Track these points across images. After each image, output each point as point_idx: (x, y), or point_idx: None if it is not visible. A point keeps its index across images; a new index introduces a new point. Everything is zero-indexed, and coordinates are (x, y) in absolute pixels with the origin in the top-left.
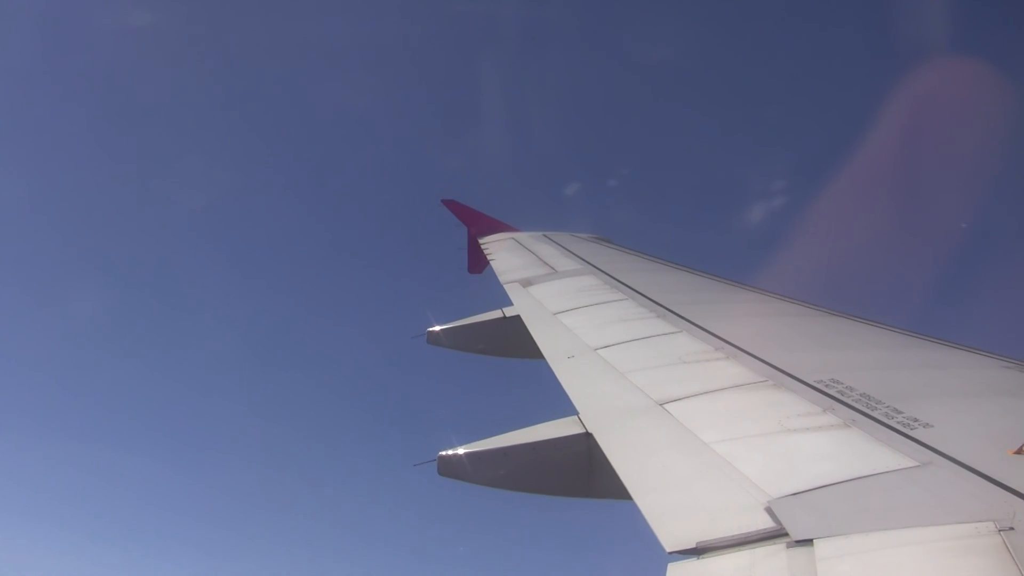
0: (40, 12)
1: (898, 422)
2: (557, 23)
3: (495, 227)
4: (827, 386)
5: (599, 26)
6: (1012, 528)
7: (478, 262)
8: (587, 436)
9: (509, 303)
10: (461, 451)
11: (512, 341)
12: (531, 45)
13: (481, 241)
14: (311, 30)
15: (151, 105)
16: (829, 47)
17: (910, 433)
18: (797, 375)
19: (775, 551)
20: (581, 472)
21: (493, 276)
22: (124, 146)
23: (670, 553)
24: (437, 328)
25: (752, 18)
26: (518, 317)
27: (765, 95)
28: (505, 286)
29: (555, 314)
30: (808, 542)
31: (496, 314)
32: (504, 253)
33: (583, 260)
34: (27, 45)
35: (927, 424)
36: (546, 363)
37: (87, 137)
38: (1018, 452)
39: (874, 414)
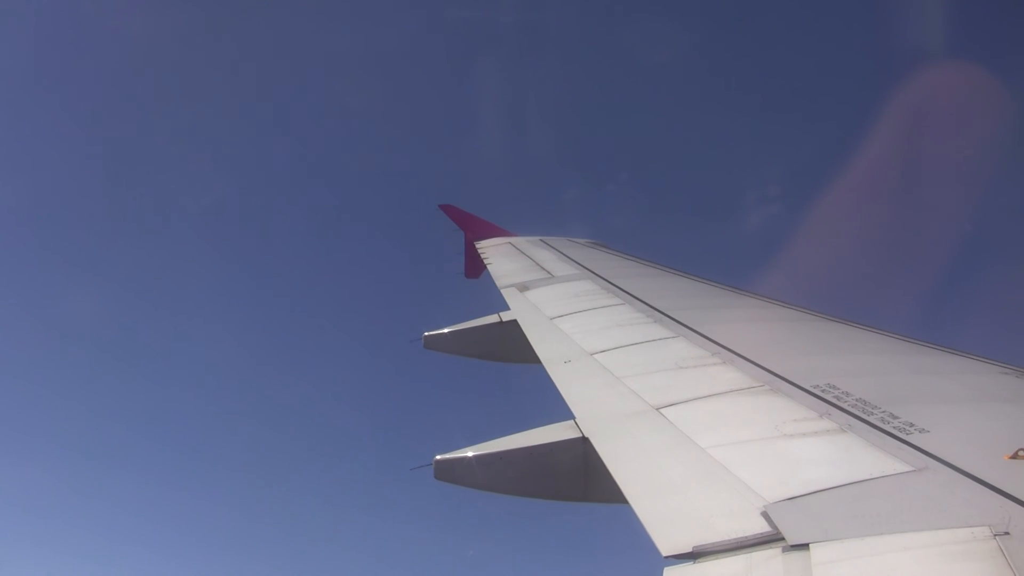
0: (40, 12)
1: (894, 427)
2: (555, 27)
3: (492, 232)
4: (823, 391)
5: (596, 30)
6: (1007, 533)
7: (475, 267)
8: (583, 440)
9: (506, 307)
10: (457, 455)
11: (509, 345)
12: (528, 50)
13: (478, 245)
14: (310, 35)
15: (151, 108)
16: (828, 49)
17: (906, 438)
18: (793, 380)
19: (771, 555)
20: (577, 476)
21: (490, 280)
22: (123, 147)
23: (666, 557)
24: (434, 332)
25: (751, 21)
26: (515, 321)
27: (763, 100)
28: (502, 291)
29: (552, 319)
30: (804, 546)
31: (493, 318)
32: (501, 258)
33: (580, 265)
34: (27, 45)
35: (923, 429)
36: (543, 367)
37: (88, 138)
38: (1013, 457)
39: (870, 419)
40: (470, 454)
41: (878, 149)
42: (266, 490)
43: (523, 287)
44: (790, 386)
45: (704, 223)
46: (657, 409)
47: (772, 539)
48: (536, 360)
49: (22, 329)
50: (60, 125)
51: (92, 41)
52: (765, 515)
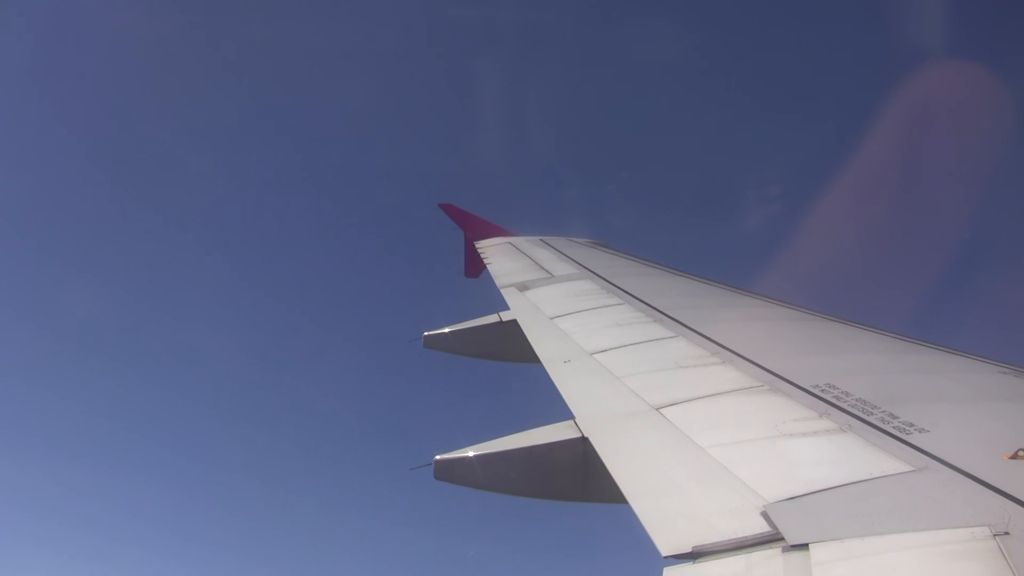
0: (40, 13)
1: (894, 427)
2: (555, 26)
3: (492, 231)
4: (823, 391)
5: (597, 29)
6: (1007, 532)
7: (475, 266)
8: (583, 440)
9: (505, 307)
10: (457, 455)
11: (508, 345)
12: (528, 49)
13: (478, 245)
14: (309, 33)
15: (147, 107)
16: (828, 49)
17: (906, 438)
18: (793, 380)
19: (771, 555)
20: (577, 476)
21: (490, 280)
22: (121, 147)
23: (666, 557)
24: (433, 332)
25: (750, 21)
26: (514, 321)
27: (762, 99)
28: (502, 290)
29: (551, 318)
30: (804, 546)
31: (492, 318)
32: (501, 257)
33: (580, 264)
34: (27, 46)
35: (923, 429)
36: (542, 367)
37: (87, 139)
38: (1013, 457)
39: (870, 419)
40: (470, 454)
41: (877, 149)
42: (265, 491)
43: (523, 287)
44: (790, 386)
45: (704, 223)
46: (657, 409)
47: (772, 539)
48: (536, 360)
49: (21, 330)
50: (59, 125)
51: (90, 41)
52: (765, 515)
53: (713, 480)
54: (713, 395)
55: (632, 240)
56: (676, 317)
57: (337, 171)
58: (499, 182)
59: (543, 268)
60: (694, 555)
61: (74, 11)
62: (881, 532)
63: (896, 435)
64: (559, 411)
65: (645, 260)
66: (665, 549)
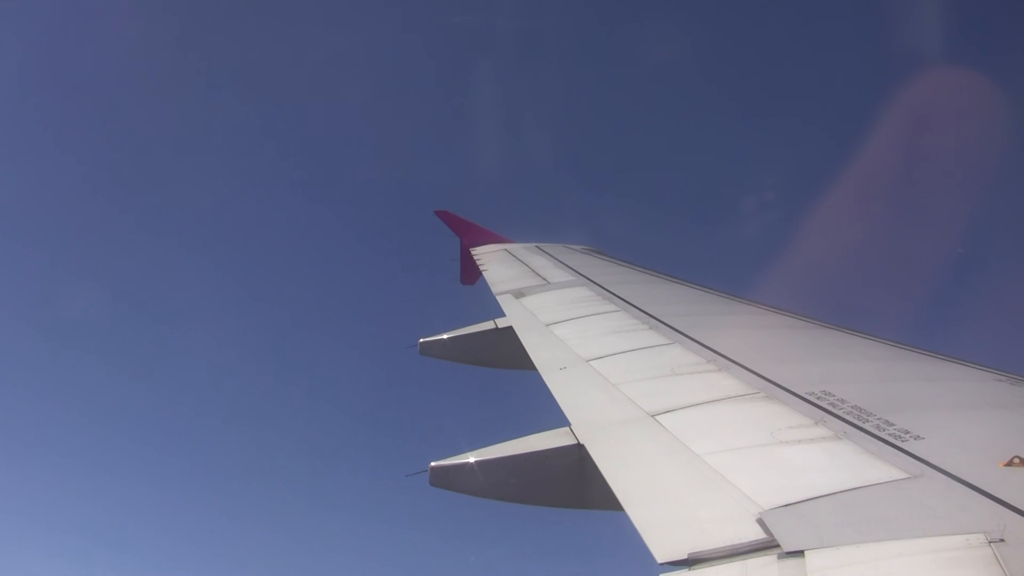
0: (40, 13)
1: (889, 434)
2: (551, 32)
3: (488, 238)
4: (819, 398)
5: (593, 35)
6: (1002, 540)
7: (471, 273)
8: (579, 447)
9: (501, 314)
10: (453, 461)
11: (504, 352)
12: (525, 55)
13: (474, 252)
14: (305, 38)
15: (142, 109)
16: (827, 51)
17: (901, 445)
18: (789, 387)
19: (766, 562)
20: (572, 483)
21: (486, 287)
22: (119, 149)
23: (661, 564)
24: (429, 339)
25: (748, 25)
26: (510, 328)
27: (760, 105)
28: (497, 297)
29: (547, 325)
30: (799, 553)
31: (488, 325)
32: (497, 264)
33: (576, 271)
34: (27, 46)
35: (918, 436)
36: (538, 374)
37: (84, 139)
38: (1008, 464)
39: (865, 426)
40: (466, 460)
41: (873, 155)
42: (262, 497)
43: (519, 294)
44: (785, 393)
45: (700, 229)
46: (652, 416)
47: (767, 546)
48: (531, 367)
49: (19, 331)
50: (59, 125)
51: (89, 41)
52: (760, 522)
53: (709, 487)
54: (709, 402)
55: (628, 247)
56: (672, 324)
57: (334, 177)
58: (496, 189)
59: (539, 275)
60: (690, 562)
61: (74, 11)
62: (876, 539)
63: (891, 442)
64: (555, 418)
65: (641, 267)
66: (661, 556)
